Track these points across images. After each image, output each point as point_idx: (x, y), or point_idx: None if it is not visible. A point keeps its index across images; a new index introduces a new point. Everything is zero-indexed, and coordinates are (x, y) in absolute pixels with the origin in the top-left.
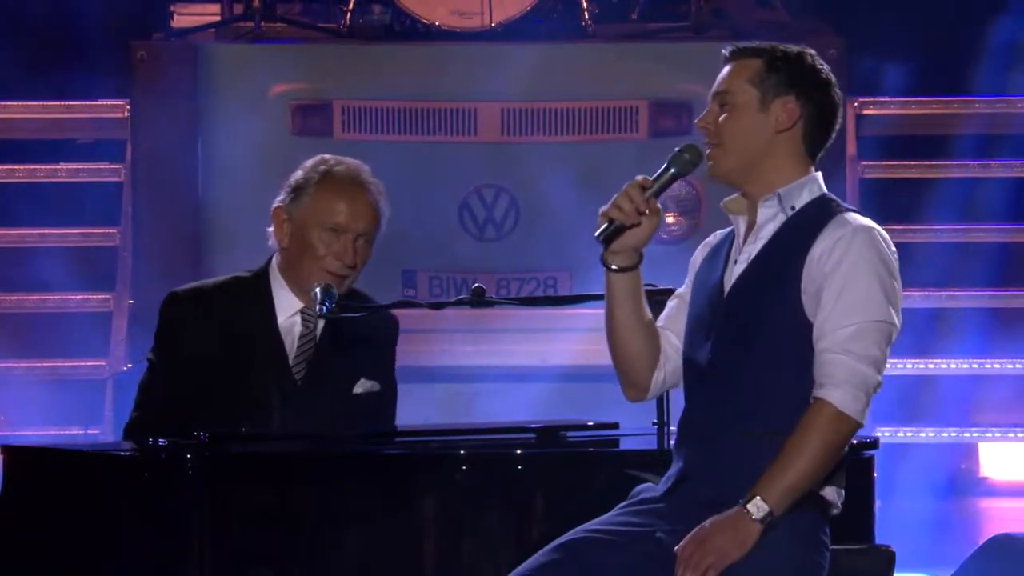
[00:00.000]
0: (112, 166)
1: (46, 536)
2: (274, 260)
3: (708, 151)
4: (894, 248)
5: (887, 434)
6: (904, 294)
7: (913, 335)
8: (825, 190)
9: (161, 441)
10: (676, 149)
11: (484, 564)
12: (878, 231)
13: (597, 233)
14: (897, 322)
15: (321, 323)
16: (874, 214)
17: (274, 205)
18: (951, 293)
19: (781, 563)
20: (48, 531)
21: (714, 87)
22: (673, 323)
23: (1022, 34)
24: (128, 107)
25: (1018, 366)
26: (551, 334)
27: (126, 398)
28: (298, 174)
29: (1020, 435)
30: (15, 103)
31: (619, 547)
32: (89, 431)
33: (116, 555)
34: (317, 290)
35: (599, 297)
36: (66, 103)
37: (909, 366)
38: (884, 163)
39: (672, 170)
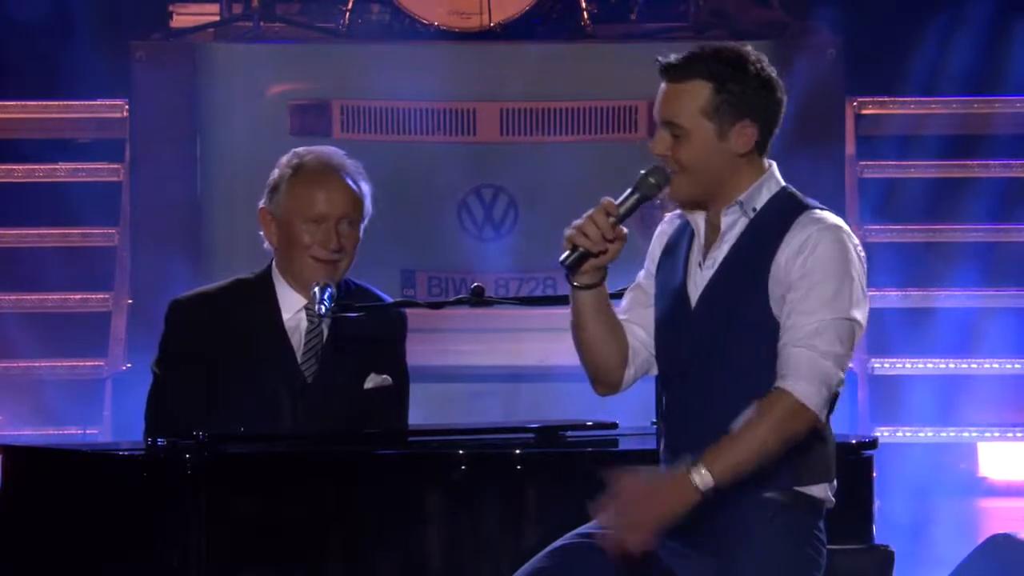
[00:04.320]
0: (111, 166)
1: (45, 536)
2: (274, 261)
3: (671, 175)
4: (858, 243)
5: (887, 434)
6: (903, 294)
7: (912, 335)
8: (783, 182)
9: (160, 441)
10: (642, 172)
11: (483, 564)
12: (844, 229)
13: (562, 259)
14: (862, 320)
15: (327, 319)
16: (873, 214)
17: (259, 207)
18: (950, 293)
19: (774, 558)
20: (47, 531)
21: (661, 112)
22: (636, 315)
23: (1020, 33)
24: (127, 107)
25: (1018, 366)
26: (550, 334)
27: (125, 398)
28: (274, 173)
29: (1019, 435)
30: (14, 103)
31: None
32: (88, 431)
33: (115, 555)
34: (315, 289)
35: None
36: (65, 103)
37: (908, 365)
38: (883, 163)
39: (637, 195)
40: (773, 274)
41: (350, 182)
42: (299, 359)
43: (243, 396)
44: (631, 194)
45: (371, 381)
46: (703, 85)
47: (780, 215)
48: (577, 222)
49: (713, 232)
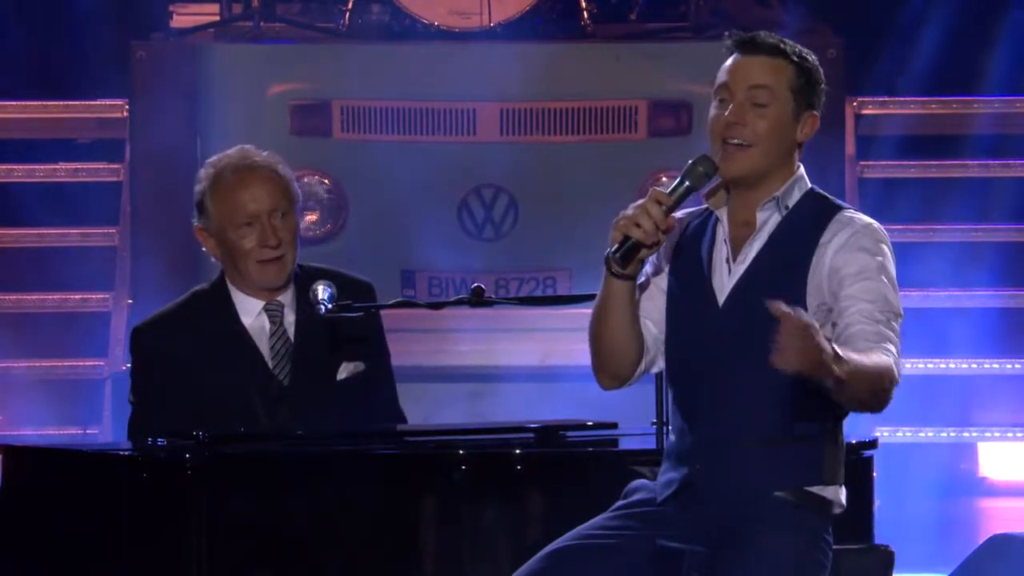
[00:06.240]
0: (111, 166)
1: (45, 536)
2: (224, 273)
3: (729, 150)
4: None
5: (887, 434)
6: (903, 294)
7: (912, 335)
8: (809, 183)
9: (160, 441)
10: (690, 162)
11: (483, 564)
12: (879, 227)
13: (613, 250)
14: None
15: (290, 316)
16: (873, 214)
17: (193, 226)
18: (950, 293)
19: (782, 558)
20: (47, 531)
21: (747, 77)
22: (646, 311)
23: (1019, 33)
24: (127, 107)
25: (1018, 366)
26: (550, 334)
27: (125, 398)
28: (196, 189)
29: (1020, 435)
30: (14, 103)
31: (613, 553)
32: (88, 431)
33: (115, 555)
34: (315, 289)
35: None
36: (65, 103)
37: (908, 366)
38: (883, 163)
39: (687, 183)
40: (813, 275)
41: (270, 174)
42: (270, 364)
43: (221, 411)
44: (680, 183)
45: (344, 371)
46: (787, 64)
47: (813, 213)
48: (627, 213)
49: (739, 229)
